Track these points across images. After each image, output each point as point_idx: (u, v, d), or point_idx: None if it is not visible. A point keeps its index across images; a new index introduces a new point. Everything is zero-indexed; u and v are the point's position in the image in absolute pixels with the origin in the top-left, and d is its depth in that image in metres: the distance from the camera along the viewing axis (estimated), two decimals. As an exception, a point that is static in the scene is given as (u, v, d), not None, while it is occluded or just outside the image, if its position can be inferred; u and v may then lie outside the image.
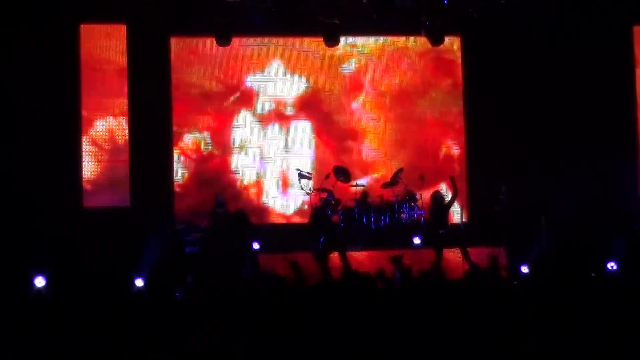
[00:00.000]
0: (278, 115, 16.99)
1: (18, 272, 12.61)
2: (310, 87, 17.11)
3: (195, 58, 16.71)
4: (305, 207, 16.41)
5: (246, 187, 16.81)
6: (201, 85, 16.75)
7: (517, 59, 16.59)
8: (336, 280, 9.68)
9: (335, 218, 15.29)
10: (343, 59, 17.20)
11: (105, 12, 15.34)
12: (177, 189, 16.44)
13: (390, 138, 17.25)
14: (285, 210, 16.87)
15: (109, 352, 7.28)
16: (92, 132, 15.90)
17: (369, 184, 16.52)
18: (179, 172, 16.54)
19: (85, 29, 15.77)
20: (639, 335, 7.34)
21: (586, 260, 13.48)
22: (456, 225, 15.73)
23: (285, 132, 16.98)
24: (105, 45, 15.90)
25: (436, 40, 15.97)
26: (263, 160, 16.87)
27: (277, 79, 16.99)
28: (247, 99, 16.91)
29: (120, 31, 15.86)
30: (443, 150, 17.40)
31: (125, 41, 15.85)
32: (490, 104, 16.87)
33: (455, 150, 17.39)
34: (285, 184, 16.86)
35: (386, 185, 16.16)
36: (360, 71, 17.28)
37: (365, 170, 17.05)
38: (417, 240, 15.28)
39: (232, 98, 16.86)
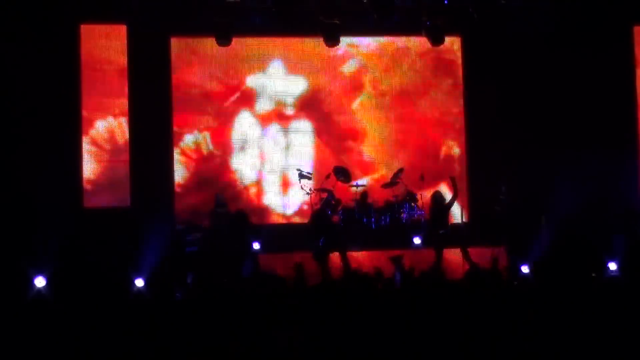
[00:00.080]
0: (278, 116, 16.99)
1: (18, 272, 12.60)
2: (311, 87, 17.10)
3: (195, 58, 16.71)
4: (305, 207, 16.41)
5: (246, 187, 16.80)
6: (201, 85, 16.75)
7: (518, 59, 16.58)
8: (336, 280, 9.69)
9: (335, 218, 15.28)
10: (343, 59, 17.20)
11: (105, 12, 15.32)
12: (177, 189, 16.44)
13: (390, 138, 17.24)
14: (285, 211, 16.87)
15: (109, 352, 7.28)
16: (92, 132, 15.90)
17: (369, 184, 16.52)
18: (179, 172, 16.54)
19: (85, 29, 15.76)
20: (639, 335, 7.34)
21: (586, 260, 13.48)
22: (456, 226, 15.72)
23: (285, 132, 16.97)
24: (106, 46, 15.90)
25: (436, 40, 15.97)
26: (263, 160, 16.86)
27: (277, 79, 16.99)
28: (248, 99, 16.91)
29: (120, 31, 15.85)
30: (443, 150, 17.40)
31: (126, 41, 15.83)
32: (490, 104, 16.86)
33: (456, 150, 17.39)
34: (285, 184, 16.86)
35: (386, 185, 16.16)
36: (360, 71, 17.27)
37: (366, 170, 17.05)
38: (417, 241, 15.28)
39: (232, 98, 16.86)
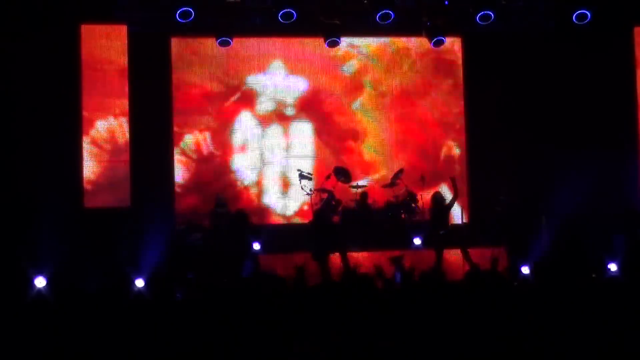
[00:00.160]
0: (279, 116, 16.98)
1: (18, 272, 12.59)
2: (311, 87, 17.10)
3: (196, 58, 16.71)
4: (305, 207, 16.40)
5: (246, 187, 16.80)
6: (202, 85, 16.75)
7: (518, 59, 16.59)
8: (336, 281, 9.68)
9: (335, 219, 15.27)
10: (344, 60, 17.20)
11: (106, 12, 15.30)
12: (177, 189, 16.44)
13: (391, 139, 17.24)
14: (285, 211, 16.86)
15: (110, 352, 7.28)
16: (92, 132, 15.88)
17: (370, 185, 16.51)
18: (180, 173, 16.54)
19: (86, 29, 15.75)
20: (639, 336, 7.33)
21: (587, 261, 13.48)
22: (457, 226, 15.71)
23: (285, 132, 16.97)
24: (106, 46, 15.88)
25: (437, 42, 15.96)
26: (263, 160, 16.86)
27: (278, 80, 16.99)
28: (248, 99, 16.91)
29: (121, 31, 15.84)
30: (444, 151, 17.39)
31: (126, 41, 15.82)
32: (491, 104, 16.87)
33: (456, 151, 17.38)
34: (285, 185, 16.85)
35: (386, 186, 16.16)
36: (361, 72, 17.27)
37: (366, 171, 17.05)
38: (417, 241, 15.27)
39: (233, 98, 16.86)
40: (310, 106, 17.07)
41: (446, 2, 15.66)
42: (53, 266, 12.79)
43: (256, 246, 14.66)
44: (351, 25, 15.86)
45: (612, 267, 13.74)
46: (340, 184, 15.94)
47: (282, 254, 14.79)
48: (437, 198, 14.60)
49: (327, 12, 15.47)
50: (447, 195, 15.23)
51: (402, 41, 17.31)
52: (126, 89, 15.92)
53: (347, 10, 15.68)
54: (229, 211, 15.29)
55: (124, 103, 15.90)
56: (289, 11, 15.09)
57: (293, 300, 7.85)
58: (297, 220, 16.68)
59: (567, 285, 8.39)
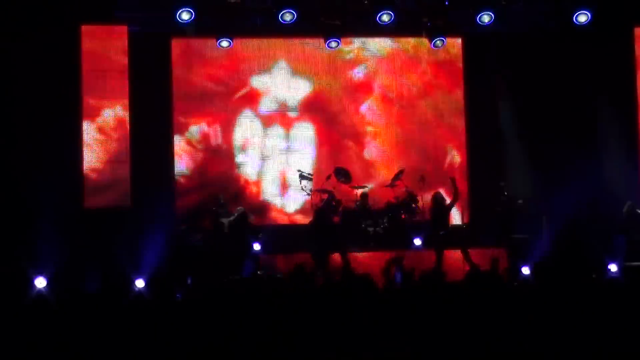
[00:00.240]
0: (281, 116, 17.01)
1: (19, 273, 12.59)
2: (315, 88, 17.11)
3: (196, 59, 16.71)
4: (306, 207, 16.39)
5: (247, 188, 16.80)
6: (203, 85, 16.75)
7: (518, 60, 16.59)
8: (336, 281, 9.68)
9: (336, 219, 15.27)
10: (348, 62, 17.22)
11: (106, 13, 15.30)
12: (178, 189, 16.45)
13: (392, 140, 17.25)
14: (286, 211, 16.86)
15: (110, 352, 7.27)
16: (93, 132, 15.87)
17: (371, 187, 16.50)
18: (181, 173, 16.55)
19: (86, 30, 15.74)
20: (639, 336, 7.33)
21: (587, 261, 13.47)
22: (457, 227, 15.71)
23: (287, 132, 16.98)
24: (107, 46, 15.87)
25: (437, 41, 15.95)
26: (264, 160, 16.87)
27: (281, 80, 16.99)
28: (251, 99, 16.92)
29: (122, 32, 15.83)
30: (447, 150, 17.38)
31: (127, 42, 15.82)
32: (491, 105, 16.89)
33: (457, 158, 17.36)
34: (285, 185, 16.86)
35: (387, 186, 16.16)
36: (363, 73, 17.27)
37: (368, 172, 17.04)
38: (417, 242, 15.27)
39: (237, 96, 16.86)
40: (313, 107, 17.09)
41: (446, 3, 15.66)
42: (53, 266, 12.78)
43: (257, 246, 14.66)
44: (352, 26, 15.85)
45: (613, 267, 13.73)
46: (340, 184, 15.94)
47: (283, 254, 14.81)
48: (438, 198, 14.60)
49: (328, 13, 15.47)
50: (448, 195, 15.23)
51: (403, 42, 17.30)
52: (127, 89, 15.90)
53: (348, 11, 15.67)
54: (229, 211, 15.29)
55: (125, 103, 15.89)
56: (290, 11, 15.10)
57: (293, 301, 7.84)
58: (299, 217, 16.68)
59: (567, 286, 8.37)
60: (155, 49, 16.17)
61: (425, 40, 16.37)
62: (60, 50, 15.25)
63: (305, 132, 17.04)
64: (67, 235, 14.14)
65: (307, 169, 16.59)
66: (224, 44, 15.66)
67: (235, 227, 14.39)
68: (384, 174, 16.84)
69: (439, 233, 14.34)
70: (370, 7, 15.50)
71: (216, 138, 16.76)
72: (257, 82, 16.96)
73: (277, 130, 16.96)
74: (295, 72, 17.05)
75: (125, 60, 15.81)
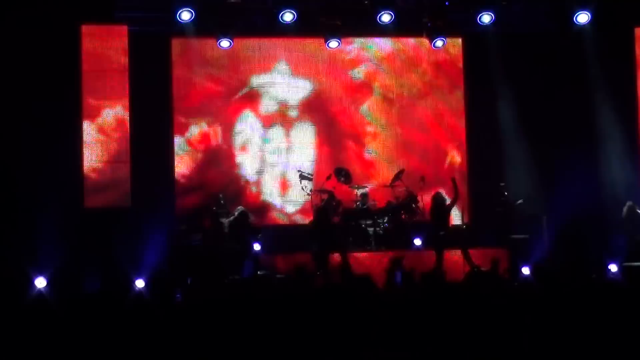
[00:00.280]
0: (282, 117, 16.99)
1: (19, 273, 12.59)
2: (315, 89, 17.11)
3: (196, 59, 16.70)
4: (306, 207, 16.39)
5: (247, 188, 16.80)
6: (203, 85, 16.75)
7: (518, 60, 16.58)
8: (336, 281, 9.68)
9: (336, 219, 15.27)
10: (348, 62, 17.21)
11: (106, 13, 15.29)
12: (178, 189, 16.45)
13: (392, 140, 17.24)
14: (285, 211, 16.87)
15: (110, 352, 7.27)
16: (93, 132, 15.86)
17: (371, 187, 16.50)
18: (181, 173, 16.56)
19: (86, 30, 15.74)
20: (639, 337, 7.33)
21: (587, 261, 13.48)
22: (457, 227, 15.71)
23: (288, 133, 16.98)
24: (107, 46, 15.86)
25: (437, 42, 15.95)
26: (264, 160, 16.87)
27: (281, 81, 16.99)
28: (251, 99, 16.91)
29: (122, 32, 15.83)
30: (447, 150, 17.38)
31: (127, 42, 15.81)
32: (492, 105, 16.88)
33: (457, 158, 17.36)
34: (285, 185, 16.86)
35: (387, 186, 16.16)
36: (363, 73, 17.27)
37: (368, 172, 17.04)
38: (418, 242, 15.27)
39: (237, 96, 16.86)
40: (313, 108, 17.08)
41: (447, 3, 15.66)
42: (53, 266, 12.79)
43: (257, 247, 14.66)
44: (352, 26, 15.85)
45: (613, 267, 13.73)
46: (340, 184, 15.95)
47: (283, 254, 14.81)
48: (438, 199, 14.60)
49: (328, 13, 15.47)
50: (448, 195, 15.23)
51: (404, 43, 17.30)
52: (127, 89, 15.90)
53: (348, 11, 15.66)
54: (229, 211, 15.29)
55: (125, 104, 15.89)
56: (290, 11, 15.11)
57: (292, 301, 7.84)
58: (299, 217, 16.68)
59: (567, 286, 8.37)
60: (155, 49, 16.16)
61: (425, 41, 16.36)
62: (60, 50, 15.24)
63: (305, 132, 17.03)
64: (67, 235, 14.15)
65: (307, 169, 16.59)
66: (224, 44, 15.66)
67: (235, 226, 14.37)
68: (384, 174, 16.84)
69: (439, 233, 14.34)
70: (371, 7, 15.51)
71: (216, 138, 16.76)
72: (257, 82, 16.95)
73: (277, 131, 16.96)
74: (295, 72, 17.05)
75: (125, 60, 15.80)
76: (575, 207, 14.99)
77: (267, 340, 7.17)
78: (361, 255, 14.91)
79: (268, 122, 16.94)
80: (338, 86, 17.18)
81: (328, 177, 15.79)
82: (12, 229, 14.25)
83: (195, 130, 16.70)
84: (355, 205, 15.83)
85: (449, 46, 16.87)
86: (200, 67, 16.71)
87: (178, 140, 16.56)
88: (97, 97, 15.77)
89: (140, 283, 12.96)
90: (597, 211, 15.76)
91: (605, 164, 16.50)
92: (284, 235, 15.71)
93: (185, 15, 14.97)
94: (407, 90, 17.36)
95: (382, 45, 17.31)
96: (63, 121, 15.40)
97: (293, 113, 17.03)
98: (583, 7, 15.56)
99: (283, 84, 16.98)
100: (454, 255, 14.35)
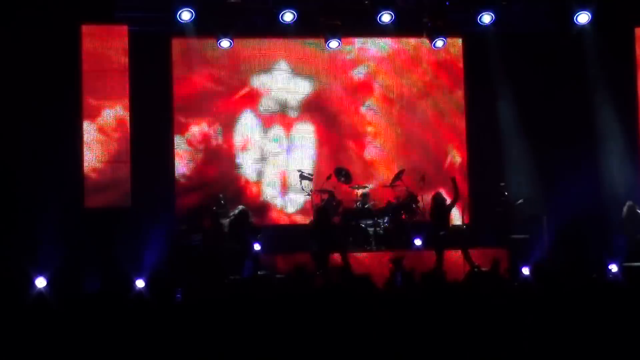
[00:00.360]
0: (282, 116, 16.98)
1: (19, 273, 12.59)
2: (315, 88, 17.10)
3: (197, 59, 16.69)
4: (306, 207, 16.39)
5: (247, 188, 16.80)
6: (203, 85, 16.75)
7: (519, 60, 16.59)
8: (336, 282, 9.68)
9: (336, 219, 15.27)
10: (349, 62, 17.20)
11: (106, 13, 15.29)
12: (178, 189, 16.45)
13: (392, 140, 17.24)
14: (286, 211, 16.87)
15: (110, 352, 7.27)
16: (93, 132, 15.86)
17: (371, 187, 16.50)
18: (181, 173, 16.56)
19: (87, 30, 15.74)
20: (639, 337, 7.33)
21: (587, 261, 13.48)
22: (457, 227, 15.71)
23: (288, 132, 16.97)
24: (107, 46, 15.86)
25: (437, 42, 15.95)
26: (264, 160, 16.87)
27: (281, 81, 16.98)
28: (251, 99, 16.91)
29: (122, 32, 15.83)
30: (447, 150, 17.37)
31: (127, 42, 15.81)
32: (492, 105, 16.89)
33: (457, 158, 17.35)
34: (285, 185, 16.85)
35: (387, 186, 16.16)
36: (363, 73, 17.27)
37: (368, 172, 17.03)
38: (418, 242, 15.27)
39: (237, 96, 16.86)
40: (313, 107, 17.07)
41: (447, 3, 15.66)
42: (53, 266, 12.78)
43: (257, 247, 14.66)
44: (352, 26, 15.85)
45: (613, 267, 13.73)
46: (341, 184, 15.95)
47: (283, 254, 14.81)
48: (438, 199, 14.60)
49: (328, 13, 15.47)
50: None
51: (405, 42, 17.30)
52: (127, 89, 15.90)
53: (348, 11, 15.66)
54: (229, 211, 15.29)
55: (125, 104, 15.89)
56: (290, 11, 15.11)
57: (292, 301, 7.84)
58: (299, 217, 16.67)
59: (567, 286, 8.38)
60: (155, 49, 16.16)
61: (425, 41, 16.35)
62: (61, 50, 15.24)
63: (305, 132, 17.02)
64: (67, 235, 14.15)
65: (308, 169, 16.59)
66: (224, 44, 15.65)
67: (235, 225, 14.36)
68: (384, 174, 16.84)
69: (440, 233, 14.34)
70: (371, 7, 15.50)
71: (216, 138, 16.76)
72: (257, 82, 16.95)
73: (278, 131, 16.96)
74: (296, 72, 17.04)
75: (125, 60, 15.80)
76: (575, 207, 14.99)
77: (267, 341, 7.17)
78: (361, 255, 14.90)
79: (268, 122, 16.94)
80: (338, 86, 17.18)
81: (328, 177, 15.79)
82: (12, 229, 14.24)
83: (195, 130, 16.69)
84: (355, 205, 15.83)
85: (449, 46, 16.86)
86: (200, 67, 16.70)
87: (178, 140, 16.57)
88: (97, 97, 15.77)
89: (140, 283, 12.95)
90: (597, 211, 15.75)
91: (606, 164, 16.49)
92: (284, 235, 15.70)
93: (185, 15, 14.99)
94: (407, 90, 17.35)
95: (382, 45, 17.30)
96: (63, 121, 15.40)
97: (293, 113, 17.03)
98: (583, 7, 15.56)
99: (283, 83, 16.97)
100: (454, 255, 14.34)
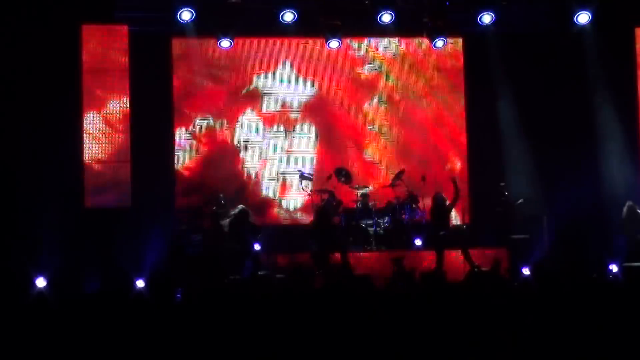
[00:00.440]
0: (283, 117, 16.98)
1: (19, 273, 12.59)
2: (317, 90, 17.10)
3: (197, 58, 16.69)
4: (306, 207, 16.39)
5: (248, 187, 16.80)
6: (204, 85, 16.74)
7: (519, 60, 16.59)
8: (336, 282, 9.68)
9: (336, 219, 15.28)
10: (350, 63, 17.20)
11: (106, 13, 15.29)
12: (178, 189, 16.45)
13: (393, 140, 17.24)
14: (286, 211, 16.87)
15: (110, 352, 7.27)
16: (94, 132, 15.85)
17: (372, 187, 16.50)
18: (182, 173, 16.56)
19: (87, 29, 15.74)
20: (639, 337, 7.33)
21: (587, 261, 13.48)
22: (457, 227, 15.71)
23: (289, 133, 16.97)
24: (107, 46, 15.86)
25: (438, 42, 15.95)
26: (265, 160, 16.88)
27: (283, 81, 16.98)
28: (253, 99, 16.91)
29: (122, 32, 15.83)
30: (447, 150, 17.37)
31: (127, 42, 15.81)
32: (492, 105, 16.88)
33: (457, 159, 17.35)
34: (286, 185, 16.86)
35: (387, 186, 16.16)
36: (364, 74, 17.26)
37: (369, 172, 17.03)
38: (418, 242, 15.27)
39: (238, 97, 16.86)
40: (315, 108, 17.07)
41: (447, 3, 15.66)
42: (53, 266, 12.79)
43: (257, 246, 14.66)
44: (352, 26, 15.85)
45: (613, 267, 13.74)
46: (341, 184, 15.95)
47: (283, 254, 14.81)
48: (438, 199, 14.60)
49: (328, 13, 15.47)
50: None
51: (407, 44, 17.30)
52: (127, 89, 15.89)
53: (348, 11, 15.66)
54: (229, 212, 15.29)
55: (125, 104, 15.89)
56: (290, 11, 15.12)
57: (292, 301, 7.84)
58: (299, 217, 16.67)
59: (567, 286, 8.38)
60: (156, 49, 16.16)
61: (425, 41, 16.35)
62: (61, 50, 15.23)
63: (306, 132, 17.02)
64: (67, 235, 14.15)
65: (308, 169, 16.59)
66: (225, 44, 15.65)
67: (235, 224, 14.36)
68: (385, 174, 16.84)
69: (440, 233, 14.35)
70: (371, 7, 15.51)
71: (217, 138, 16.76)
72: (259, 82, 16.95)
73: (279, 130, 16.95)
74: (298, 72, 17.04)
75: (125, 60, 15.80)
76: (575, 207, 15.00)
77: (267, 341, 7.18)
78: (361, 255, 14.90)
79: (270, 122, 16.94)
80: (339, 87, 17.18)
81: (328, 177, 15.79)
82: (12, 229, 14.24)
83: (196, 131, 16.69)
84: (355, 206, 15.83)
85: (450, 46, 16.86)
86: (201, 67, 16.69)
87: (179, 141, 16.56)
88: (98, 97, 15.77)
89: (140, 283, 12.95)
90: (597, 211, 15.75)
91: (606, 164, 16.49)
92: (284, 235, 15.70)
93: (186, 15, 14.99)
94: (407, 91, 17.35)
95: (383, 45, 17.30)
96: (63, 121, 15.39)
97: (295, 114, 17.03)
98: (583, 7, 15.57)
99: (285, 84, 16.97)
100: (454, 256, 14.34)
